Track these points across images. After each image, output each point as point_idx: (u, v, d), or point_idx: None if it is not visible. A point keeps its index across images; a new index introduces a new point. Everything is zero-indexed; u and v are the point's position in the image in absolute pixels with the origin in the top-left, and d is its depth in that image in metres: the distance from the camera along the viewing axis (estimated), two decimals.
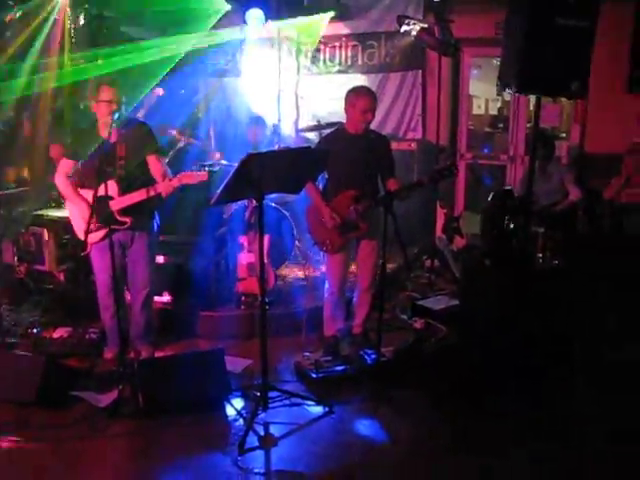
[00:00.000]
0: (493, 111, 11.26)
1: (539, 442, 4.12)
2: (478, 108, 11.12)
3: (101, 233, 4.81)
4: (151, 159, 4.94)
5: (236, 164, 3.98)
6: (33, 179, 6.78)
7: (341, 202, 5.05)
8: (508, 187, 6.13)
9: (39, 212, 6.38)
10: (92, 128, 4.89)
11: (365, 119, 4.92)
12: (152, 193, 4.81)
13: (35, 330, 5.64)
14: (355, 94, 4.99)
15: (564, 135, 8.47)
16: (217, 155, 7.12)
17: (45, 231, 6.27)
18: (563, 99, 7.05)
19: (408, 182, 5.09)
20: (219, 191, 4.01)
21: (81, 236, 4.84)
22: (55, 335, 5.51)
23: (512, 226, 5.24)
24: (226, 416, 4.49)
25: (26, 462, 3.95)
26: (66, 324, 5.74)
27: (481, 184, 7.78)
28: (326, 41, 8.61)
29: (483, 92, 10.50)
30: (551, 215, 6.52)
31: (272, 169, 4.08)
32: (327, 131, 5.98)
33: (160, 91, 6.36)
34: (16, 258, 6.42)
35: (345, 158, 4.97)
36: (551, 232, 5.43)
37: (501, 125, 10.21)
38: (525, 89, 4.99)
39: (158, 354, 5.21)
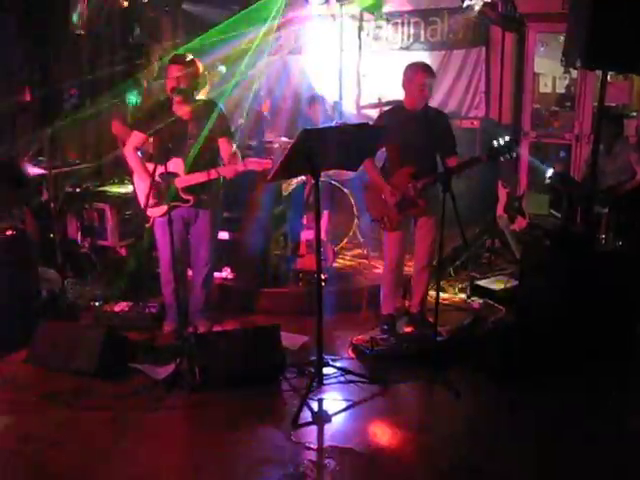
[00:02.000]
0: (560, 89, 10.98)
1: (593, 424, 4.07)
2: (545, 86, 10.87)
3: (164, 208, 4.86)
4: (222, 141, 4.99)
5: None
6: (96, 156, 6.90)
7: (399, 179, 5.01)
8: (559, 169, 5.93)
9: (102, 188, 6.49)
10: (165, 103, 4.94)
11: (422, 94, 4.87)
12: (216, 175, 4.87)
13: (97, 303, 5.76)
14: (412, 69, 4.94)
15: (634, 114, 8.20)
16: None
17: (108, 207, 6.40)
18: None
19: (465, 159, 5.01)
20: (275, 167, 4.01)
21: (145, 209, 4.91)
22: (116, 308, 5.61)
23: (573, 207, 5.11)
24: (281, 391, 4.51)
25: (85, 431, 4.04)
26: (127, 298, 5.85)
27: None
28: (388, 18, 8.51)
29: (550, 70, 10.22)
30: (616, 196, 6.34)
31: (328, 145, 4.07)
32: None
33: (222, 69, 6.37)
34: (80, 233, 6.56)
35: (403, 135, 4.93)
36: (616, 213, 5.26)
37: (568, 104, 9.95)
38: (591, 64, 4.84)
39: (216, 329, 5.25)
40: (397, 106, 5.22)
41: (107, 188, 6.47)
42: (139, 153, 5.05)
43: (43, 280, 5.73)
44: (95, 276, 6.37)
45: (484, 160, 4.82)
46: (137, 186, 5.14)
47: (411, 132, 4.93)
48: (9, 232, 5.20)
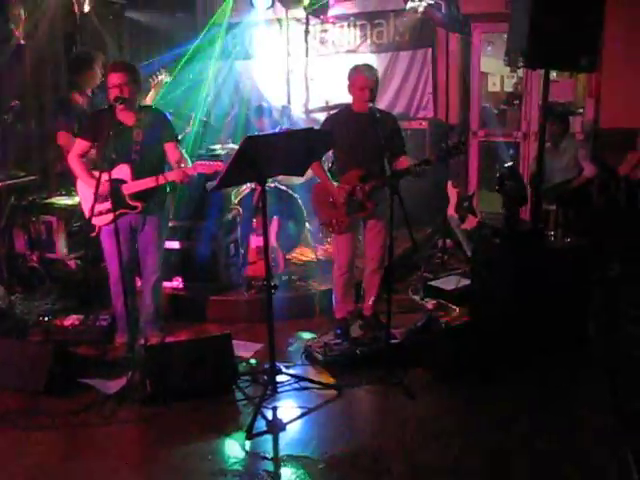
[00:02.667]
0: (509, 88, 11.12)
1: (544, 418, 4.12)
2: (493, 85, 11.00)
3: (110, 216, 4.78)
4: (169, 146, 4.96)
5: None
6: (42, 168, 6.77)
7: (348, 181, 5.00)
8: (509, 164, 5.99)
9: (49, 200, 6.37)
10: (109, 110, 4.86)
11: (364, 96, 4.86)
12: (164, 180, 4.84)
13: (47, 318, 5.65)
14: (353, 71, 4.95)
15: (580, 110, 8.33)
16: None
17: (55, 219, 6.28)
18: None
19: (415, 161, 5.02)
20: (220, 175, 3.98)
21: (87, 216, 4.86)
22: (66, 323, 5.50)
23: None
24: (235, 401, 4.46)
25: (35, 449, 3.94)
26: (78, 311, 5.74)
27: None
28: (334, 21, 8.53)
29: (498, 69, 10.36)
30: (564, 192, 6.43)
31: (273, 151, 4.05)
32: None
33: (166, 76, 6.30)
34: (27, 247, 6.43)
35: (351, 137, 4.93)
36: (564, 209, 5.33)
37: (517, 102, 10.08)
38: (533, 64, 4.91)
39: (169, 340, 5.19)
40: (343, 109, 5.21)
41: (54, 200, 6.35)
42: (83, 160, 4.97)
43: None
44: (44, 290, 6.25)
45: (434, 161, 4.83)
46: (81, 195, 5.07)
47: (358, 134, 4.92)
48: None
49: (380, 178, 4.87)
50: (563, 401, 4.35)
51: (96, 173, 4.75)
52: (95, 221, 4.85)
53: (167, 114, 5.10)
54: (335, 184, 5.05)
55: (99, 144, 4.83)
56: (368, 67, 4.98)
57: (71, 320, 5.53)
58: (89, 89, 6.13)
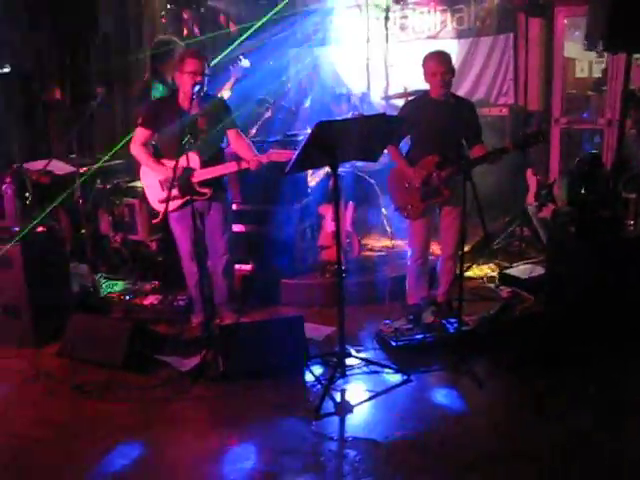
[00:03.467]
0: (597, 74, 10.80)
1: (609, 414, 4.03)
2: (581, 71, 10.71)
3: (178, 202, 4.92)
4: (232, 133, 5.04)
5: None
6: (126, 151, 6.99)
7: (424, 167, 4.99)
8: (594, 152, 5.86)
9: (132, 184, 6.58)
10: (171, 98, 4.98)
11: (437, 82, 4.84)
12: (244, 166, 4.91)
13: (128, 297, 5.85)
14: (425, 58, 4.94)
15: None
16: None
17: (137, 202, 6.47)
18: None
19: (493, 148, 4.98)
20: (293, 159, 4.04)
21: (154, 204, 5.07)
22: (146, 302, 5.71)
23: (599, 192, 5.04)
24: (304, 382, 4.56)
25: (112, 422, 4.14)
26: (158, 291, 5.94)
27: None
28: (414, 7, 8.48)
29: (585, 54, 10.06)
30: None
31: (345, 137, 4.08)
32: None
33: (246, 63, 6.39)
34: (112, 228, 6.67)
35: (427, 123, 4.92)
36: None
37: (605, 88, 9.79)
38: (612, 47, 4.77)
39: (243, 320, 5.30)
40: (421, 95, 5.19)
41: (137, 184, 6.54)
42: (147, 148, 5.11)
43: (75, 275, 5.86)
44: (127, 270, 6.48)
45: (511, 150, 4.78)
46: (145, 182, 5.20)
47: (435, 120, 4.90)
48: (40, 229, 5.31)
49: (457, 165, 4.84)
50: (633, 398, 4.24)
51: (165, 161, 4.90)
52: (162, 208, 4.94)
53: (226, 101, 5.20)
54: (412, 169, 5.05)
55: (161, 133, 4.96)
56: (440, 53, 4.95)
57: (150, 299, 5.72)
58: (170, 77, 6.29)
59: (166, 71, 6.15)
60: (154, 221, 5.13)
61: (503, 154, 4.80)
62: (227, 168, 4.92)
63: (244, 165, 4.90)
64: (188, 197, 4.80)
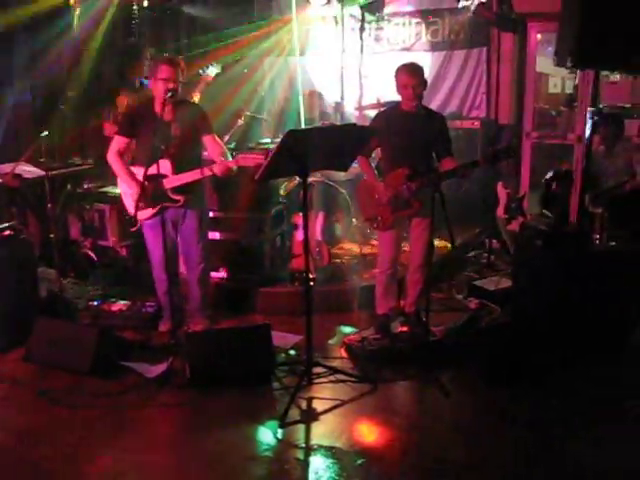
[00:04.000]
0: (569, 89, 10.94)
1: (577, 425, 4.08)
2: (554, 87, 10.83)
3: (151, 210, 4.91)
4: (208, 139, 5.03)
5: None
6: (96, 157, 6.96)
7: (394, 179, 5.02)
8: (566, 168, 5.94)
9: (102, 189, 6.56)
10: (147, 105, 4.98)
11: (408, 94, 4.87)
12: (208, 173, 4.89)
13: (96, 303, 5.82)
14: (398, 70, 4.96)
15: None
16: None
17: (108, 207, 6.47)
18: None
19: (463, 162, 5.01)
20: (263, 167, 4.05)
21: (131, 211, 4.95)
22: (114, 308, 5.67)
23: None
24: (271, 390, 4.55)
25: (77, 428, 4.10)
26: (127, 298, 5.91)
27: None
28: (389, 19, 8.55)
29: (559, 70, 10.18)
30: (613, 196, 6.33)
31: (316, 146, 4.09)
32: None
33: (217, 68, 6.40)
34: (81, 233, 6.64)
35: (398, 135, 4.95)
36: (610, 213, 5.26)
37: (576, 104, 9.91)
38: (581, 63, 4.83)
39: (215, 328, 5.29)
40: (393, 107, 5.23)
41: (108, 189, 6.53)
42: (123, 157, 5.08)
43: (43, 279, 5.81)
44: (95, 276, 6.44)
45: (481, 164, 4.82)
46: (122, 191, 5.16)
47: (405, 132, 4.93)
48: (7, 232, 5.26)
49: (427, 177, 4.88)
50: (598, 408, 4.28)
51: (135, 169, 4.88)
52: (139, 216, 4.92)
53: (203, 108, 5.17)
54: (381, 184, 5.08)
55: (138, 139, 4.94)
56: (412, 65, 4.97)
57: (119, 306, 5.69)
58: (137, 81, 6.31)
59: (130, 74, 6.17)
60: (131, 229, 5.08)
61: (473, 168, 4.85)
62: (194, 175, 4.89)
63: (208, 172, 4.87)
64: (160, 205, 4.77)
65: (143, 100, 5.01)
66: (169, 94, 4.72)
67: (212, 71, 6.32)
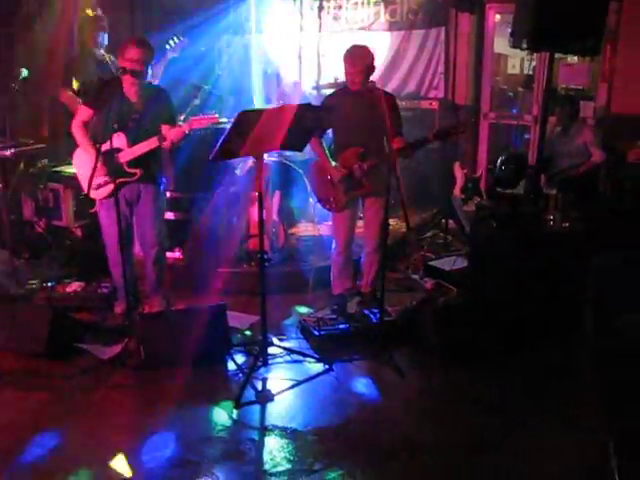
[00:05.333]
0: (528, 71, 11.02)
1: (528, 404, 4.16)
2: (513, 68, 10.91)
3: (109, 188, 4.83)
4: (165, 128, 4.95)
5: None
6: (50, 135, 6.85)
7: (346, 160, 5.04)
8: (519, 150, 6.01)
9: (57, 169, 6.46)
10: (116, 82, 4.88)
11: (350, 80, 4.94)
12: (162, 140, 4.81)
13: (50, 284, 5.74)
14: (344, 54, 4.97)
15: (593, 95, 8.25)
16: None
17: (62, 187, 6.37)
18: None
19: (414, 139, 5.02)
20: (216, 147, 4.02)
21: (85, 190, 4.87)
22: (68, 289, 5.60)
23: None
24: (226, 371, 4.56)
25: (31, 410, 4.07)
26: (81, 279, 5.84)
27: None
28: None
29: (518, 51, 10.25)
30: (567, 177, 6.42)
31: (269, 126, 4.06)
32: None
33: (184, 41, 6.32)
34: (35, 213, 6.54)
35: (348, 116, 4.96)
36: (566, 194, 5.32)
37: (535, 85, 10.00)
38: (536, 45, 4.89)
39: (171, 309, 5.26)
40: (342, 87, 5.23)
41: (62, 168, 6.42)
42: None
43: None
44: (50, 256, 6.35)
45: (431, 140, 4.84)
46: (78, 167, 5.09)
47: (355, 113, 4.94)
48: None
49: (378, 157, 4.89)
50: (551, 387, 4.37)
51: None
52: (94, 194, 4.88)
53: (169, 94, 5.09)
54: (333, 163, 5.08)
55: (99, 115, 4.86)
56: (354, 53, 4.95)
57: (73, 287, 5.63)
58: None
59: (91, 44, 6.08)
60: (90, 210, 5.02)
61: (423, 145, 4.86)
62: (148, 144, 4.82)
63: (161, 139, 4.80)
64: (118, 180, 4.71)
65: (113, 77, 4.92)
66: (134, 75, 4.65)
67: (180, 44, 6.21)
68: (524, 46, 4.83)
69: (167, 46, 6.24)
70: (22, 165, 6.41)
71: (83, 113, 4.95)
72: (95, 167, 4.48)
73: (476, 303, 5.01)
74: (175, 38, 6.28)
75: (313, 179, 5.32)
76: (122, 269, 4.90)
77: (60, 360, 4.59)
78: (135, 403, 4.25)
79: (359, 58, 4.91)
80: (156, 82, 5.75)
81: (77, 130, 4.95)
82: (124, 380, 4.38)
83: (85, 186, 4.82)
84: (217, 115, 4.98)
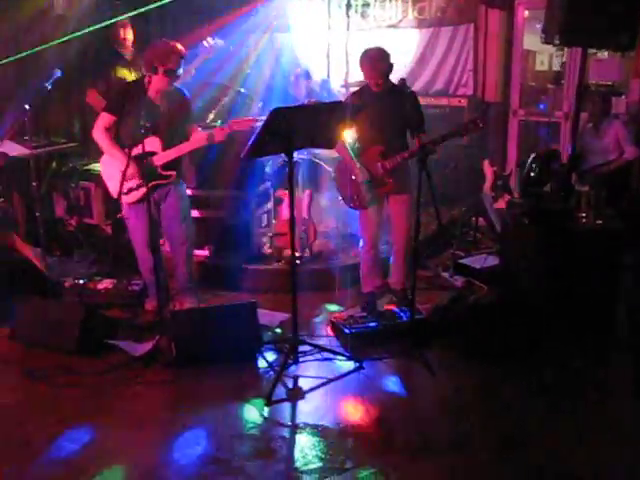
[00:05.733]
0: (557, 67, 10.91)
1: (560, 402, 4.12)
2: (541, 64, 10.81)
3: (141, 191, 4.85)
4: (192, 128, 5.02)
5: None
6: (82, 134, 6.91)
7: (368, 158, 5.08)
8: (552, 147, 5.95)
9: (88, 167, 6.52)
10: (139, 85, 4.90)
11: (372, 82, 4.94)
12: (208, 141, 4.87)
13: (81, 281, 5.79)
14: (361, 57, 4.98)
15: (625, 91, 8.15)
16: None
17: (93, 186, 6.43)
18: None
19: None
20: (248, 145, 4.03)
21: (115, 196, 4.87)
22: (100, 286, 5.64)
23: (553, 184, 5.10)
24: (257, 368, 4.57)
25: (63, 406, 4.10)
26: (112, 276, 5.88)
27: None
28: None
29: (547, 47, 10.15)
30: (602, 174, 6.35)
31: (301, 124, 4.07)
32: None
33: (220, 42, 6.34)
34: (67, 211, 6.60)
35: (370, 114, 4.95)
36: (598, 191, 5.26)
37: (563, 81, 9.91)
38: (569, 41, 4.84)
39: (201, 306, 5.26)
40: (363, 86, 5.23)
41: (93, 167, 6.48)
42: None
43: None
44: (81, 254, 6.41)
45: (447, 138, 4.78)
46: (105, 172, 5.09)
47: (377, 111, 4.95)
48: None
49: (403, 154, 4.92)
50: (582, 384, 4.33)
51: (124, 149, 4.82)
52: (125, 199, 4.91)
53: (188, 96, 5.14)
54: (357, 165, 5.10)
55: (123, 120, 4.88)
56: (375, 53, 4.95)
57: (104, 284, 5.66)
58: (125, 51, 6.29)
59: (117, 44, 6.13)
60: (117, 215, 5.07)
61: (441, 142, 4.82)
62: (193, 144, 4.88)
63: (203, 141, 4.87)
64: (152, 183, 4.74)
65: (136, 79, 4.95)
66: (170, 82, 4.72)
67: (215, 45, 6.25)
68: (556, 42, 4.78)
69: (205, 44, 6.26)
70: (54, 164, 6.49)
71: (105, 119, 4.95)
72: (125, 171, 4.50)
73: (507, 301, 4.98)
74: (210, 39, 6.30)
75: (338, 178, 5.34)
76: (152, 266, 4.94)
77: (92, 357, 4.64)
78: (167, 400, 4.28)
79: (378, 61, 4.93)
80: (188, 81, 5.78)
81: (100, 136, 4.95)
82: (156, 377, 4.40)
83: (115, 191, 4.84)
84: (255, 117, 4.96)
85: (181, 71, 4.83)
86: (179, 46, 4.88)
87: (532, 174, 5.52)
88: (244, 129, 4.84)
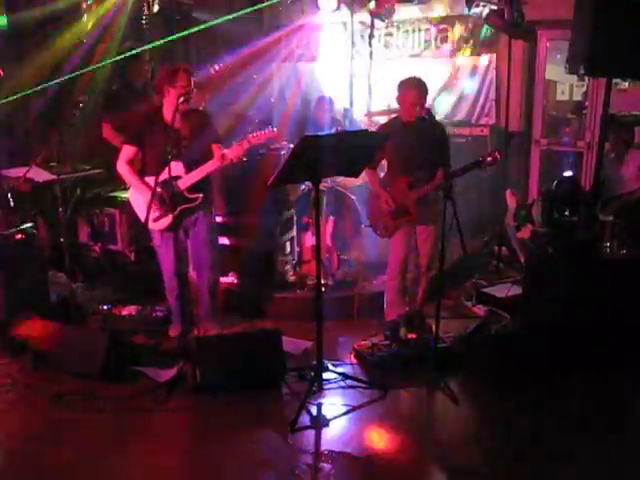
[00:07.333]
0: (577, 97, 10.93)
1: (592, 434, 4.07)
2: (562, 94, 10.83)
3: (170, 218, 4.87)
4: (216, 147, 5.02)
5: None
6: (107, 162, 6.98)
7: (397, 188, 5.11)
8: (569, 174, 5.94)
9: (112, 194, 6.58)
10: (155, 112, 4.96)
11: (413, 111, 4.92)
12: (223, 161, 4.86)
13: (105, 307, 5.82)
14: (405, 86, 5.00)
15: None
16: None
17: (118, 212, 6.48)
18: None
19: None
20: (276, 173, 4.06)
21: (147, 224, 4.86)
22: (124, 312, 5.68)
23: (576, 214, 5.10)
24: (281, 395, 4.56)
25: (87, 432, 4.12)
26: (136, 302, 5.92)
27: None
28: (399, 25, 8.55)
29: (567, 77, 10.18)
30: (622, 203, 6.33)
31: (329, 152, 4.10)
32: None
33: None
34: (91, 237, 6.65)
35: (399, 146, 5.01)
36: (621, 221, 5.25)
37: (585, 111, 9.91)
38: (594, 71, 4.85)
39: (225, 333, 5.27)
40: (393, 118, 5.31)
41: (117, 194, 6.54)
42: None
43: (53, 283, 5.83)
44: (105, 280, 6.45)
45: (460, 174, 4.81)
46: (135, 202, 5.11)
47: (406, 144, 5.00)
48: (19, 236, 5.28)
49: (429, 185, 4.97)
50: (610, 417, 4.28)
51: (149, 179, 4.86)
52: (154, 226, 4.94)
53: (209, 115, 5.18)
54: (386, 195, 5.14)
55: (145, 149, 4.93)
56: (421, 83, 4.99)
57: (128, 310, 5.70)
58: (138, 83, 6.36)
59: (130, 76, 6.20)
60: (150, 244, 5.15)
61: (464, 174, 4.84)
62: (211, 165, 4.89)
63: (221, 160, 4.86)
64: (181, 207, 4.79)
65: (150, 107, 4.99)
66: (181, 100, 4.71)
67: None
68: (581, 72, 4.80)
69: (212, 70, 6.35)
70: (79, 190, 6.55)
71: (128, 152, 5.00)
72: (151, 200, 4.55)
73: (531, 331, 4.95)
74: (216, 66, 6.39)
75: (368, 205, 5.36)
76: (178, 293, 4.97)
77: (117, 382, 4.64)
78: (190, 426, 4.29)
79: (424, 89, 4.97)
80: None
81: (124, 170, 5.02)
82: (180, 403, 4.41)
83: (143, 218, 4.86)
84: (275, 129, 4.98)
85: (192, 88, 4.82)
86: (184, 65, 4.95)
87: (556, 203, 5.49)
88: (262, 142, 4.90)
